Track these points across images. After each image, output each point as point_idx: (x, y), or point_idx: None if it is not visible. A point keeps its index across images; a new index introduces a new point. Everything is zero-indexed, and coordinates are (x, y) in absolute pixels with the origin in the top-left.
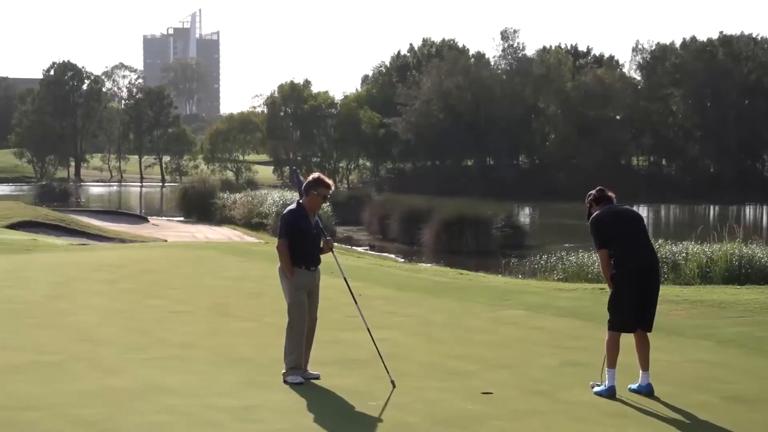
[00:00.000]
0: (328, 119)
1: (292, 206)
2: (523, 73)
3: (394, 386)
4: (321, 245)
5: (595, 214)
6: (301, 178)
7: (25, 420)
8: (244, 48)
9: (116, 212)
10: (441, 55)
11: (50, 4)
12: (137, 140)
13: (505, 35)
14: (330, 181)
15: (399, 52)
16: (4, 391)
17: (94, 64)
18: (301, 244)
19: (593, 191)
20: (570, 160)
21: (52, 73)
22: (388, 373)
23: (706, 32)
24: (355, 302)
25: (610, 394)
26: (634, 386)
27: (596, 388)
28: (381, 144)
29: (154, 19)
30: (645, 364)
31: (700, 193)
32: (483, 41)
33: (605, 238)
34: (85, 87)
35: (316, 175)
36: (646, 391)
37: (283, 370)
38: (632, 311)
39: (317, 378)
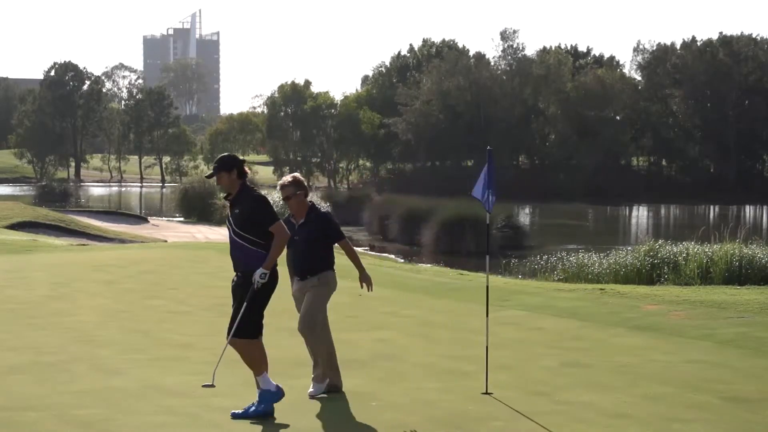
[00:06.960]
0: (328, 119)
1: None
2: (523, 74)
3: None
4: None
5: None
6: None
7: (24, 420)
8: (244, 48)
9: (116, 213)
10: (441, 56)
11: (50, 4)
12: (137, 141)
13: (504, 35)
14: (286, 178)
15: (399, 53)
16: (3, 391)
17: (94, 64)
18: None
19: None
20: (570, 160)
21: (52, 73)
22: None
23: (706, 32)
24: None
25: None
26: (239, 411)
27: (258, 407)
28: (381, 144)
29: (154, 19)
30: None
31: (700, 194)
32: (483, 41)
33: None
34: (85, 87)
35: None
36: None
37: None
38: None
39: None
